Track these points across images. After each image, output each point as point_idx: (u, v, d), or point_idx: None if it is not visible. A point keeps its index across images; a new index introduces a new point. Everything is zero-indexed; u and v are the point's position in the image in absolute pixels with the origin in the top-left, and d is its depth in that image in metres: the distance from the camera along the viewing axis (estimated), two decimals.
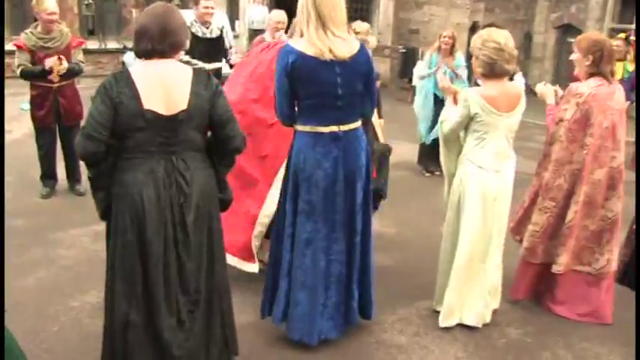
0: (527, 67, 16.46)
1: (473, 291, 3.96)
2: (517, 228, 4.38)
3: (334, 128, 3.31)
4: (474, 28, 16.45)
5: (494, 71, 3.68)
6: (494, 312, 4.17)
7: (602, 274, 4.15)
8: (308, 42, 3.18)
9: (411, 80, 14.23)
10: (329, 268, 3.47)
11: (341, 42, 3.18)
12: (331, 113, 3.29)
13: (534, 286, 4.34)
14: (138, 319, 2.80)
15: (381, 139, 6.85)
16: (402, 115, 10.26)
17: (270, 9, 15.44)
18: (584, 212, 4.04)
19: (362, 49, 3.30)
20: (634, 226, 4.64)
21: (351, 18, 14.03)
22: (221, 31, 6.38)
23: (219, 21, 6.45)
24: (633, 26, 14.05)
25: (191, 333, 2.93)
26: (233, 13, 16.30)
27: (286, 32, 5.52)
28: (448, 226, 3.98)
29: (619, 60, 6.91)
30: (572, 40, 11.55)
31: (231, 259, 3.92)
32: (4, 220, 3.30)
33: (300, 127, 3.38)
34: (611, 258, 4.14)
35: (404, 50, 15.10)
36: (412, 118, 7.94)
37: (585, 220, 4.07)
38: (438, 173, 7.10)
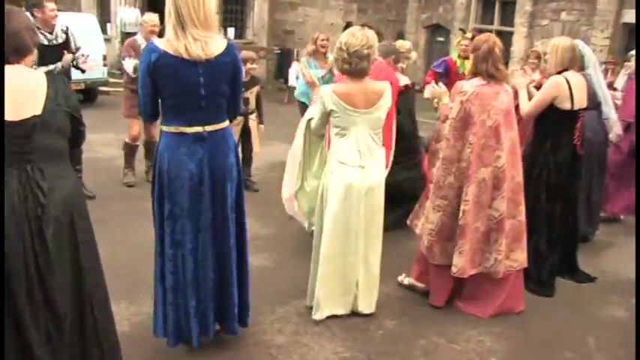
0: None
1: (340, 284, 4.00)
2: (412, 221, 4.55)
3: (199, 129, 3.23)
4: (347, 29, 16.81)
5: (349, 70, 3.74)
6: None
7: (493, 273, 4.22)
8: (167, 41, 3.11)
9: (286, 81, 14.50)
10: (198, 271, 3.38)
11: (202, 42, 3.11)
12: (195, 113, 3.21)
13: (451, 291, 4.37)
14: (7, 338, 2.61)
15: (257, 145, 6.85)
16: (278, 116, 10.29)
17: (142, 11, 15.14)
18: (474, 213, 4.10)
19: (228, 50, 3.23)
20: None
21: (227, 19, 13.98)
22: (66, 33, 6.09)
23: (60, 23, 6.13)
24: (493, 27, 14.93)
25: (61, 348, 2.77)
26: (104, 16, 15.72)
27: (160, 36, 5.37)
28: (317, 223, 3.99)
29: (465, 58, 7.31)
30: (441, 39, 11.86)
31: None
32: (4, 220, 3.19)
33: (164, 128, 3.29)
34: (499, 257, 4.18)
35: (279, 51, 15.20)
36: (289, 119, 7.96)
37: (476, 222, 4.13)
38: None
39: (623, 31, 12.32)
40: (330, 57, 7.36)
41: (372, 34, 3.76)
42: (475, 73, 4.09)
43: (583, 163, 5.04)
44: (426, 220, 4.27)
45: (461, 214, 4.07)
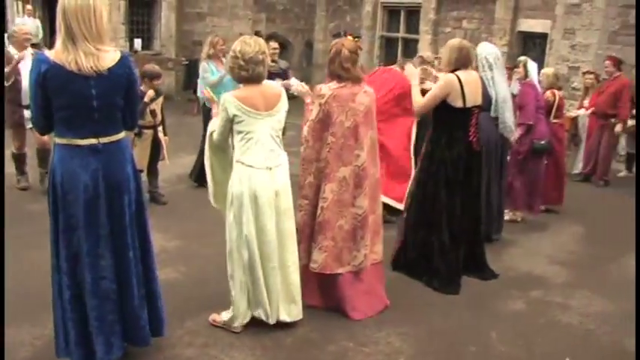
0: (310, 73, 17.15)
1: (259, 292, 3.95)
2: None
3: (93, 141, 3.16)
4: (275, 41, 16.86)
5: (246, 77, 3.77)
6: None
7: (363, 268, 4.34)
8: (56, 53, 3.04)
9: (195, 91, 14.28)
10: (98, 286, 3.29)
11: (94, 57, 3.05)
12: (88, 125, 3.14)
13: (322, 290, 4.41)
14: None
15: (166, 157, 6.75)
16: (188, 127, 10.17)
17: (43, 22, 14.64)
18: (336, 211, 4.20)
19: (122, 62, 3.19)
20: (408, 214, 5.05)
21: (133, 30, 13.60)
22: None
23: None
24: (399, 34, 15.33)
25: None
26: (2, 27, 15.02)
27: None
28: (230, 232, 3.92)
29: None
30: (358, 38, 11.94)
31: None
32: (4, 220, 3.20)
33: (57, 140, 3.19)
34: (367, 253, 4.32)
35: (187, 62, 15.03)
36: (199, 130, 7.87)
37: (340, 220, 4.22)
38: None
39: (519, 39, 12.90)
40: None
41: (262, 42, 3.85)
42: (332, 77, 4.22)
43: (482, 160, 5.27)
44: None
45: (319, 212, 4.19)
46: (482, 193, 5.72)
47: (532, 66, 6.77)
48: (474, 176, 5.07)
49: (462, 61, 4.94)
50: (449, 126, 4.94)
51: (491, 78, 5.66)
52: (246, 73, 3.75)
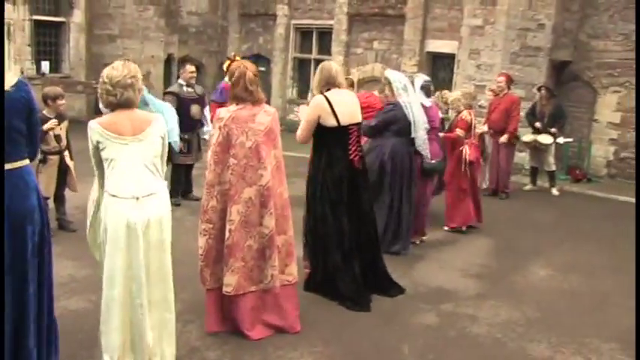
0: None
1: (131, 331, 3.65)
2: None
3: None
4: (169, 60, 16.67)
5: (115, 102, 3.56)
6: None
7: (272, 288, 4.33)
8: None
9: None
10: None
11: None
12: None
13: (226, 313, 4.35)
14: None
15: (75, 186, 6.55)
16: None
17: None
18: (244, 232, 4.19)
19: (18, 86, 3.12)
20: (306, 239, 5.12)
21: (40, 52, 13.12)
22: None
23: None
24: (312, 55, 15.54)
25: None
26: None
27: None
28: (103, 266, 3.65)
29: None
30: (263, 68, 12.12)
31: None
32: (4, 221, 3.04)
33: None
34: (275, 273, 4.30)
35: (97, 85, 14.64)
36: None
37: (248, 240, 4.22)
38: None
39: (428, 59, 13.35)
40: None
41: (134, 66, 3.66)
42: (233, 98, 4.24)
43: (370, 177, 5.47)
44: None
45: (227, 235, 4.17)
46: (394, 209, 5.87)
47: (417, 83, 6.67)
48: (361, 194, 5.11)
49: (327, 81, 5.02)
50: (327, 146, 4.99)
51: (408, 102, 5.90)
52: (114, 99, 3.54)
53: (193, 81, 7.98)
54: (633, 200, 10.01)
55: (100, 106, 7.11)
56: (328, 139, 4.98)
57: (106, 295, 3.60)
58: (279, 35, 16.30)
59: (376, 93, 6.77)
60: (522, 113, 10.04)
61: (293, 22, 16.20)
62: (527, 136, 10.08)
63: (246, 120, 4.16)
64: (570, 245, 7.22)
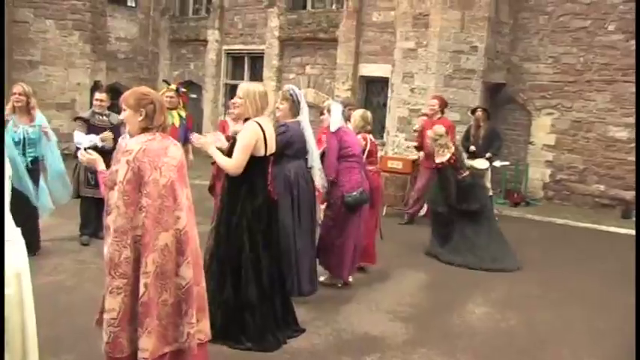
0: None
1: None
2: (100, 318, 3.67)
3: None
4: (95, 88, 15.93)
5: None
6: None
7: (188, 348, 3.61)
8: None
9: None
10: None
11: None
12: None
13: None
14: None
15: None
16: None
17: None
18: (159, 285, 3.51)
19: None
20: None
21: None
22: None
23: None
24: (244, 81, 15.05)
25: None
26: None
27: None
28: None
29: (172, 109, 7.13)
30: (194, 95, 11.62)
31: None
32: (4, 220, 2.92)
33: None
34: (192, 331, 3.60)
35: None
36: None
37: (163, 294, 3.54)
38: None
39: (361, 83, 13.03)
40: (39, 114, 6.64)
41: None
42: (145, 129, 3.60)
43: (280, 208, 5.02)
44: (104, 310, 3.54)
45: (142, 290, 3.45)
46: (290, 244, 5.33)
47: (336, 109, 6.04)
48: (274, 226, 4.81)
49: (265, 107, 4.69)
50: (248, 176, 4.59)
51: (305, 122, 5.38)
52: None
53: (103, 110, 7.37)
54: (571, 223, 9.89)
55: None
56: (251, 169, 4.57)
57: None
58: (211, 61, 15.86)
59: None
60: (458, 137, 9.78)
61: (224, 47, 15.80)
62: (480, 162, 9.79)
63: (158, 153, 3.52)
64: (509, 276, 6.83)
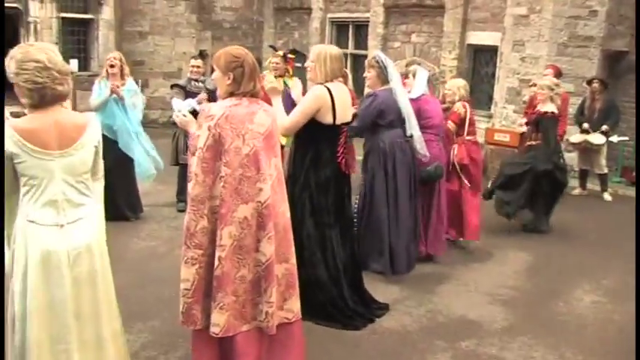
0: None
1: None
2: None
3: None
4: (202, 57, 16.16)
5: (44, 98, 2.86)
6: None
7: (268, 327, 3.42)
8: None
9: None
10: None
11: None
12: None
13: (217, 356, 3.50)
14: None
15: None
16: None
17: None
18: (236, 260, 3.33)
19: None
20: None
21: (69, 50, 12.83)
22: None
23: None
24: (348, 50, 14.77)
25: None
26: None
27: None
28: (14, 305, 2.95)
29: (280, 76, 6.97)
30: (299, 64, 11.76)
31: None
32: (4, 220, 2.85)
33: None
34: (270, 310, 3.40)
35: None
36: None
37: (241, 270, 3.35)
38: None
39: (469, 52, 12.40)
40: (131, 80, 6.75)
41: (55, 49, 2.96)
42: (232, 93, 3.37)
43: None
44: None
45: (217, 263, 3.29)
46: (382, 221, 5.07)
47: (421, 75, 5.83)
48: (347, 202, 4.53)
49: (338, 72, 4.38)
50: (315, 146, 4.34)
51: (400, 92, 5.08)
52: (63, 88, 2.86)
53: (199, 76, 7.41)
54: None
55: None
56: (318, 137, 4.34)
57: (30, 339, 2.87)
58: (315, 30, 15.64)
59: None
60: (572, 109, 9.12)
61: (328, 15, 15.51)
62: (575, 136, 9.14)
63: (243, 120, 3.30)
64: (623, 263, 6.14)
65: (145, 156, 6.64)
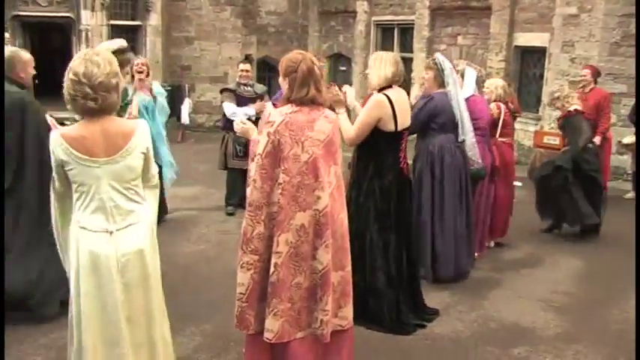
0: None
1: None
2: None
3: None
4: (249, 61, 16.30)
5: (77, 110, 2.91)
6: None
7: (322, 335, 3.41)
8: None
9: (179, 118, 13.79)
10: None
11: None
12: None
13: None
14: None
15: None
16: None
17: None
18: (292, 267, 3.34)
19: None
20: None
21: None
22: None
23: None
24: (393, 53, 14.72)
25: None
26: None
27: None
28: (71, 308, 3.05)
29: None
30: (344, 68, 11.65)
31: None
32: (4, 219, 3.07)
33: None
34: (325, 318, 3.39)
35: (169, 87, 14.50)
36: (187, 156, 7.27)
37: (297, 277, 3.36)
38: None
39: (516, 54, 12.23)
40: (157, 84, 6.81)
41: (112, 58, 2.96)
42: (289, 100, 3.38)
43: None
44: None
45: (272, 269, 3.30)
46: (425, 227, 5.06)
47: (470, 75, 5.83)
48: (409, 207, 4.54)
49: (398, 78, 4.36)
50: (378, 152, 4.36)
51: (456, 95, 5.02)
52: (94, 104, 2.86)
53: (248, 80, 7.49)
54: None
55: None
56: (381, 145, 4.37)
57: (83, 343, 2.97)
58: (360, 33, 15.65)
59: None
60: (623, 110, 8.91)
61: (373, 18, 15.52)
62: (628, 138, 8.90)
63: (302, 127, 3.29)
64: None
65: (169, 160, 6.71)
